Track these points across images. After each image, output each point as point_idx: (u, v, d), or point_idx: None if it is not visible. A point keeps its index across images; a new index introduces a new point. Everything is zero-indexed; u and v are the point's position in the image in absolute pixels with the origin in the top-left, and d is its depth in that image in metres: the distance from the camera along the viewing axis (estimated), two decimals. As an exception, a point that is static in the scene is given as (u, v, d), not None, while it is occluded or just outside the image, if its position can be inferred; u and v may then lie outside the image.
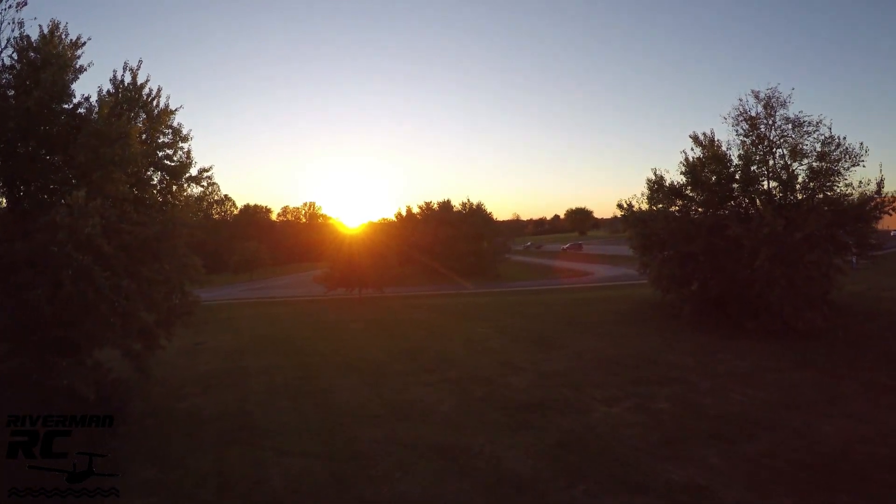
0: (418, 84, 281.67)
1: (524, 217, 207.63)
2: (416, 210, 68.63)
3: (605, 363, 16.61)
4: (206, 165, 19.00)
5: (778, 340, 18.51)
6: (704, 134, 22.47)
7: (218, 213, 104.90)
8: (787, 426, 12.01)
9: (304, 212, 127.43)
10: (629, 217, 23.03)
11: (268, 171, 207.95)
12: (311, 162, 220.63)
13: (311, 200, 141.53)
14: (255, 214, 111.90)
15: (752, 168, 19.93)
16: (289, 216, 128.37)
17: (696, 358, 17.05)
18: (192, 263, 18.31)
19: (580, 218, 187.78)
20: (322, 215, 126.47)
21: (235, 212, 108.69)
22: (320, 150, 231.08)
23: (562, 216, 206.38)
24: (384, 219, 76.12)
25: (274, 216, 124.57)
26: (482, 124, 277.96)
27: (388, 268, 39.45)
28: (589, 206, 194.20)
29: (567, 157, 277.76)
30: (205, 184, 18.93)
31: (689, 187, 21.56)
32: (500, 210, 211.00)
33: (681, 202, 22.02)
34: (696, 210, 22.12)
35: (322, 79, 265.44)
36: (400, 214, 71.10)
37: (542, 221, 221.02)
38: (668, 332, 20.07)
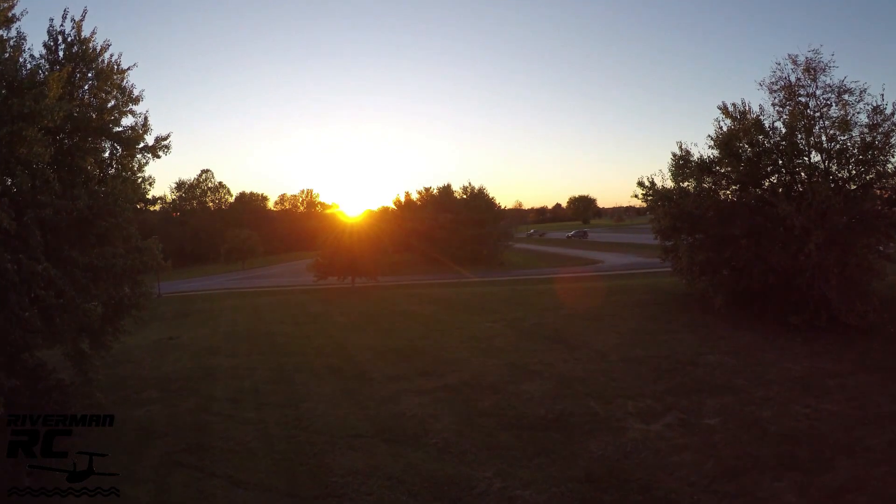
0: (419, 71, 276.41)
1: (526, 206, 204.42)
2: (415, 196, 65.80)
3: (635, 365, 13.95)
4: (164, 133, 16.37)
5: (826, 337, 15.96)
6: (734, 104, 19.72)
7: (212, 202, 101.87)
8: (868, 447, 9.64)
9: (301, 199, 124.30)
10: (653, 195, 20.21)
11: (265, 159, 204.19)
12: (311, 150, 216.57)
13: (309, 188, 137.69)
14: (250, 202, 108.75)
15: (799, 138, 17.06)
16: (286, 204, 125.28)
17: (740, 359, 14.41)
18: (147, 248, 15.71)
19: (583, 206, 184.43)
20: (320, 203, 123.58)
21: (230, 200, 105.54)
22: (320, 137, 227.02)
23: (564, 205, 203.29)
24: (384, 206, 73.43)
25: (271, 204, 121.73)
26: (483, 112, 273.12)
27: (382, 255, 36.77)
28: (591, 195, 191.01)
29: (569, 146, 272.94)
30: (161, 154, 16.25)
31: (722, 161, 18.72)
32: (502, 198, 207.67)
33: (711, 178, 19.20)
34: (729, 187, 19.36)
35: (321, 63, 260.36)
36: (399, 201, 68.12)
37: (543, 210, 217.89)
38: (701, 328, 17.38)
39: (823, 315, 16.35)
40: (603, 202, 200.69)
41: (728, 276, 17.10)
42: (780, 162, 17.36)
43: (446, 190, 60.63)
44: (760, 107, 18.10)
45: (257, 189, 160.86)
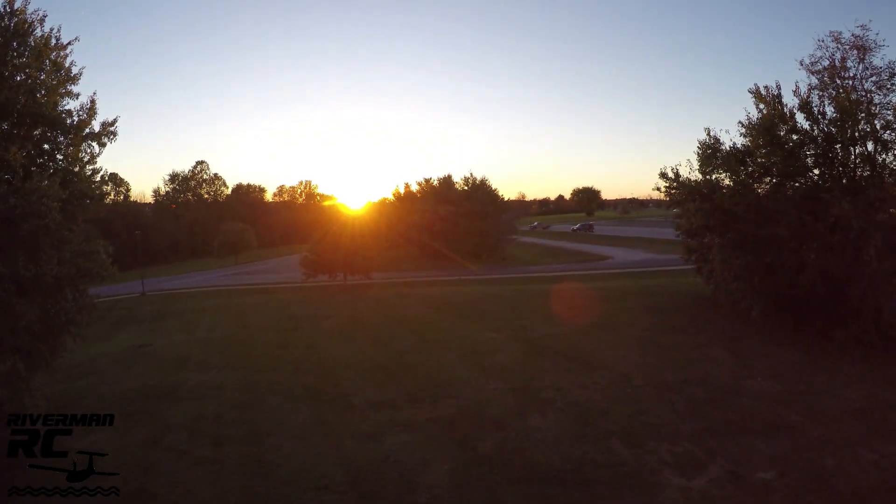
0: (421, 61, 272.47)
1: (528, 197, 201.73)
2: (415, 188, 63.36)
3: (665, 392, 11.72)
4: (111, 118, 14.21)
5: (876, 356, 13.90)
6: (767, 87, 17.42)
7: (208, 194, 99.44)
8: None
9: (299, 191, 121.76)
10: (678, 188, 17.88)
11: (264, 151, 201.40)
12: (312, 141, 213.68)
13: (307, 179, 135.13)
14: (247, 194, 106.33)
15: (858, 126, 14.71)
16: (284, 196, 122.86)
17: (787, 385, 12.20)
18: (93, 252, 13.58)
19: (587, 198, 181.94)
20: (319, 195, 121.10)
21: (227, 192, 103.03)
22: (321, 128, 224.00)
23: (567, 196, 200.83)
24: (384, 198, 71.14)
25: (269, 196, 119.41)
26: (485, 103, 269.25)
27: (377, 250, 34.56)
28: (594, 186, 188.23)
29: (572, 137, 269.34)
30: (107, 141, 14.09)
31: (756, 151, 16.37)
32: (505, 190, 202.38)
33: (746, 170, 16.83)
34: (762, 179, 17.02)
35: (321, 52, 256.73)
36: (398, 193, 65.73)
37: (546, 201, 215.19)
38: (735, 342, 15.16)
39: (873, 330, 14.20)
40: (606, 194, 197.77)
41: (768, 283, 14.80)
42: (834, 151, 14.99)
43: (447, 181, 58.13)
44: (809, 87, 15.73)
45: (255, 181, 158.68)
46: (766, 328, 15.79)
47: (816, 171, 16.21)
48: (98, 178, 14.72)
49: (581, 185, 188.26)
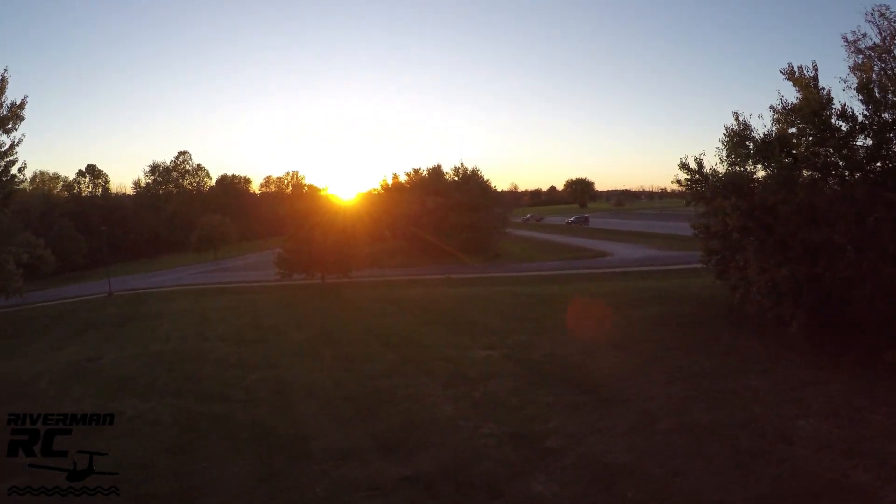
0: (410, 50, 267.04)
1: (520, 188, 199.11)
2: (403, 179, 60.66)
3: (701, 441, 9.30)
4: (18, 100, 11.60)
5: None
6: (801, 67, 15.11)
7: (191, 185, 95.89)
8: None
9: (286, 182, 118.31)
10: (700, 180, 15.51)
11: (251, 142, 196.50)
12: (300, 132, 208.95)
13: (294, 170, 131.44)
14: (232, 185, 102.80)
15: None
16: (272, 187, 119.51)
17: (843, 427, 9.80)
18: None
19: (580, 189, 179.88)
20: (308, 185, 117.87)
21: (211, 183, 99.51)
22: (308, 118, 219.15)
23: (560, 187, 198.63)
24: (372, 189, 68.46)
25: (255, 187, 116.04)
26: (475, 92, 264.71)
27: (355, 247, 32.03)
28: (587, 177, 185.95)
29: (564, 127, 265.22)
30: (13, 126, 11.52)
31: (801, 139, 14.04)
32: (497, 181, 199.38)
33: (789, 161, 14.47)
34: (804, 174, 14.71)
35: (308, 41, 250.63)
36: (385, 184, 63.02)
37: (538, 192, 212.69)
38: (772, 366, 12.78)
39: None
40: (598, 185, 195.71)
41: (815, 296, 12.46)
42: (889, 142, 12.65)
43: (436, 171, 55.42)
44: (877, 63, 13.43)
45: (241, 172, 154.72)
46: (803, 347, 13.49)
47: (872, 165, 13.91)
48: (16, 172, 12.20)
49: (574, 175, 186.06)
